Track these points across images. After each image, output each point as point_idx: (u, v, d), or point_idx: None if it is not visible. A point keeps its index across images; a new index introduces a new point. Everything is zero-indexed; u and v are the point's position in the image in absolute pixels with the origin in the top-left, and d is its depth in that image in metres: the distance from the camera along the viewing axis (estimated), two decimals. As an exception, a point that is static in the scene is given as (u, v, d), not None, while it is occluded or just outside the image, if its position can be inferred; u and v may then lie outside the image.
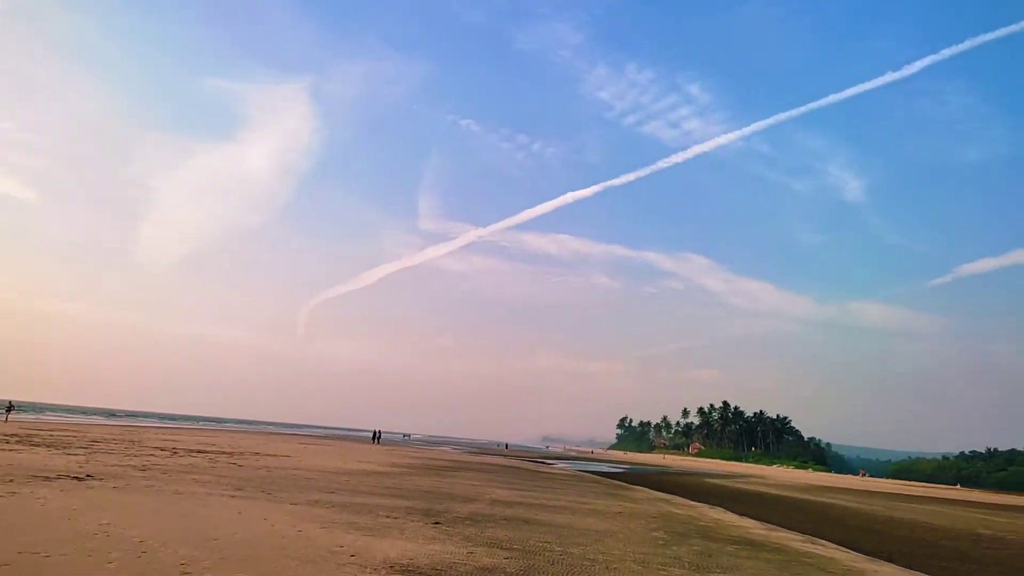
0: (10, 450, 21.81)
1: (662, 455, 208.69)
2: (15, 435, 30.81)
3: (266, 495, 15.09)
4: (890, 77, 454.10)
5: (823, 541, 17.23)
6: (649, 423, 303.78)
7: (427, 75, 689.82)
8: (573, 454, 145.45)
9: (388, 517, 13.09)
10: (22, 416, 67.45)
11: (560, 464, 68.76)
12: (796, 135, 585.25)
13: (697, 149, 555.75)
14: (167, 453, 27.04)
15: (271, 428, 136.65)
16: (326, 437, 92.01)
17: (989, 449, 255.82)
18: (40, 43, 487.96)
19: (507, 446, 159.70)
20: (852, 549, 16.19)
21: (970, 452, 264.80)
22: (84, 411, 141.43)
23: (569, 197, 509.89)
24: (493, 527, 13.16)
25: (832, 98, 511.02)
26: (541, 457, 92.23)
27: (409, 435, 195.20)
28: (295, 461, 29.17)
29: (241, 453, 31.54)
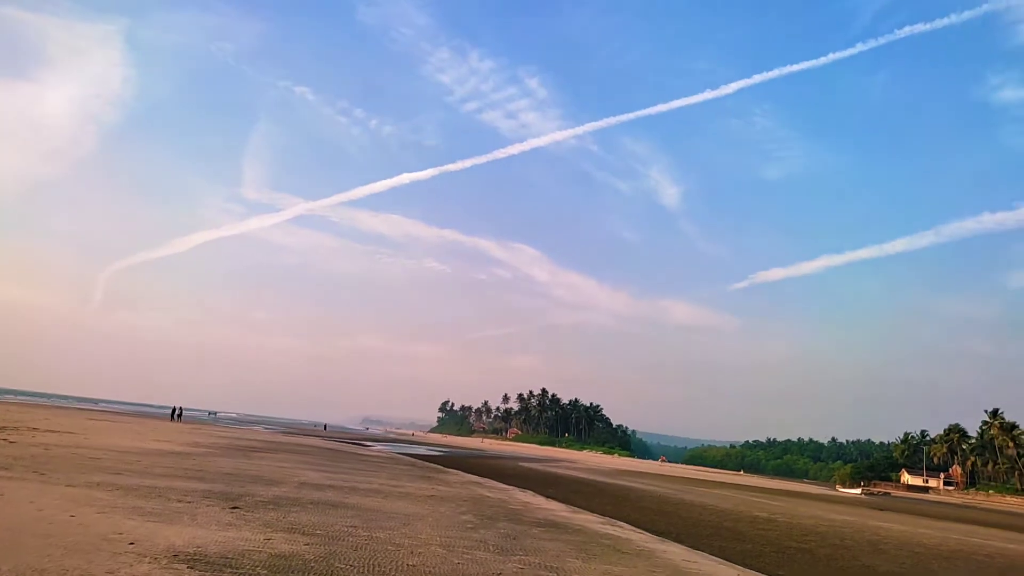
0: None
1: (481, 439, 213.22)
2: None
3: (38, 476, 13.49)
4: (708, 95, 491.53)
5: (620, 523, 18.30)
6: (470, 407, 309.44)
7: (261, 35, 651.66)
8: (393, 436, 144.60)
9: (180, 501, 12.15)
10: None
11: (379, 446, 68.09)
12: (623, 139, 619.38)
13: (533, 142, 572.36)
14: (-81, 427, 23.53)
15: (61, 401, 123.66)
16: (123, 413, 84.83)
17: (769, 439, 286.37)
18: None
19: (326, 427, 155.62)
20: (646, 530, 17.33)
21: (753, 441, 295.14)
22: None
23: (405, 178, 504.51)
24: (298, 511, 12.63)
25: (658, 108, 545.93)
26: (360, 439, 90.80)
27: (216, 413, 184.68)
28: (80, 439, 26.48)
29: (15, 428, 28.15)
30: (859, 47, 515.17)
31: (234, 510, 11.84)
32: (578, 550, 11.95)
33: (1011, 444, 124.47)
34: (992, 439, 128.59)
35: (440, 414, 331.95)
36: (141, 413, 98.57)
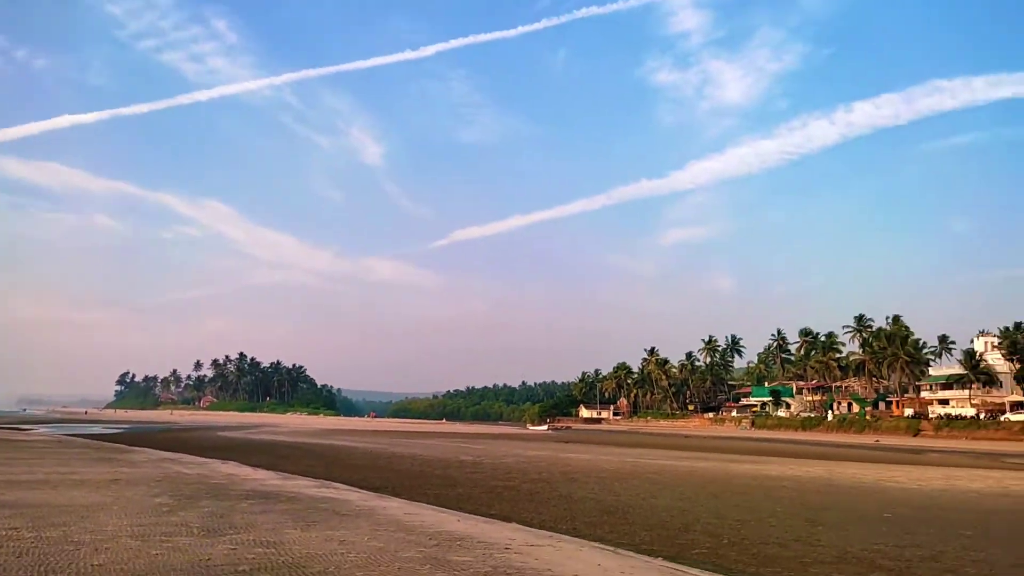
0: None
1: (170, 411, 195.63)
2: None
3: None
4: (408, 55, 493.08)
5: (336, 484, 17.81)
6: (156, 377, 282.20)
7: None
8: (59, 416, 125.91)
9: None
10: None
11: (42, 429, 58.70)
12: (323, 93, 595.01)
13: (223, 90, 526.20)
14: None
15: None
16: None
17: (468, 388, 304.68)
18: None
19: None
20: (362, 488, 17.07)
21: (454, 391, 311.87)
22: None
23: (65, 120, 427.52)
24: (-71, 520, 10.08)
25: (357, 64, 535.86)
26: (16, 422, 77.53)
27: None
28: None
29: None
30: (544, 22, 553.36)
31: None
32: (295, 519, 11.24)
33: (664, 377, 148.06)
34: (649, 374, 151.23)
35: (118, 387, 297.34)
36: None
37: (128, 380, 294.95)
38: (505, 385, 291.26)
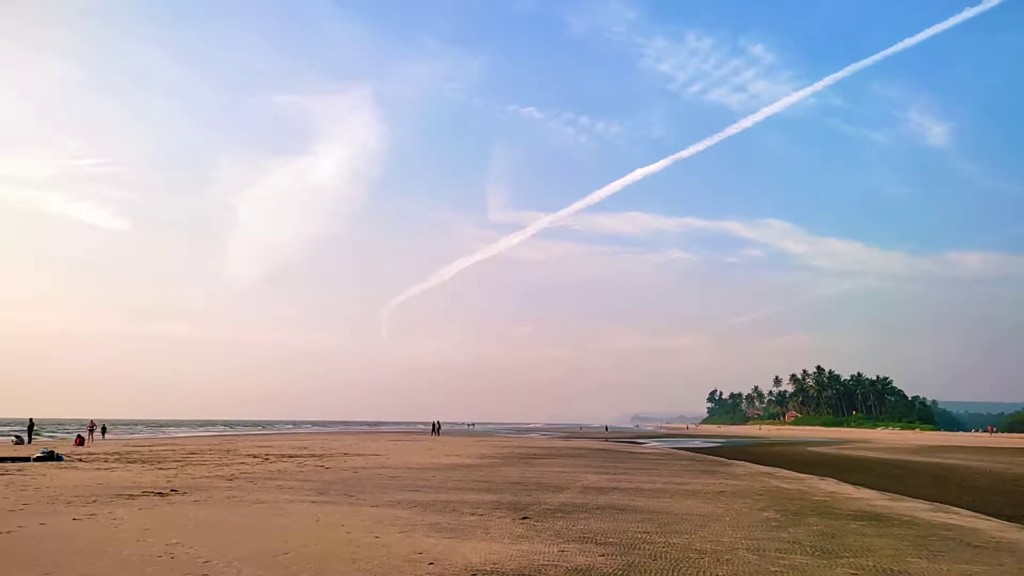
0: (106, 469, 22.22)
1: (758, 426, 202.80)
2: (116, 453, 31.79)
3: (348, 498, 14.55)
4: (967, 13, 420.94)
5: (956, 509, 15.48)
6: (740, 394, 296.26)
7: (484, 68, 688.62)
8: (665, 432, 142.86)
9: (473, 515, 12.28)
10: (132, 436, 70.80)
11: (652, 443, 67.16)
12: (870, 85, 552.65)
13: (767, 111, 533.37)
14: (258, 460, 27.23)
15: (362, 428, 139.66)
16: (398, 432, 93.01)
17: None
18: (120, 78, 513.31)
19: (607, 428, 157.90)
20: (993, 516, 14.41)
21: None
22: (198, 424, 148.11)
23: (638, 174, 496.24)
24: (586, 518, 12.16)
25: (906, 43, 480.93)
26: (632, 437, 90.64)
27: (473, 424, 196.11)
28: (383, 460, 28.95)
29: (331, 455, 31.60)
30: None
31: (524, 520, 11.67)
32: (916, 546, 10.02)
33: None
34: None
35: (709, 404, 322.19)
36: (411, 431, 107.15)
37: (716, 397, 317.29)
38: None
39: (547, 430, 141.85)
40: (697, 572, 8.08)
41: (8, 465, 22.90)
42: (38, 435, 51.65)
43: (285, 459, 28.10)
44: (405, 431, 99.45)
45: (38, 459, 25.33)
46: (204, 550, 8.61)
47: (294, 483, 17.81)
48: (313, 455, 31.37)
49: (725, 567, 8.39)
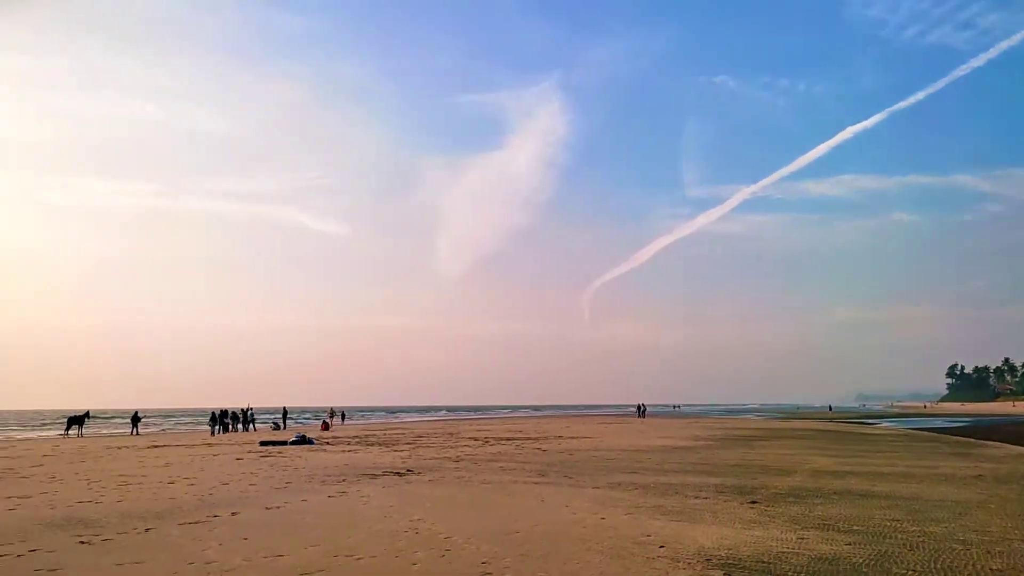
0: (349, 451, 24.53)
1: (1011, 402, 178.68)
2: (356, 437, 35.03)
3: (568, 480, 14.80)
4: None
5: None
6: (987, 368, 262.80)
7: (670, 42, 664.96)
8: (897, 411, 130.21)
9: (697, 498, 11.93)
10: (367, 421, 77.71)
11: (884, 423, 61.53)
12: None
13: (1003, 46, 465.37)
14: (479, 443, 28.65)
15: (568, 411, 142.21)
16: (604, 415, 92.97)
17: None
18: (334, 97, 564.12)
19: (831, 408, 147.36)
20: None
21: None
22: (418, 410, 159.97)
23: (848, 132, 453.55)
24: (823, 504, 11.33)
25: None
26: (860, 417, 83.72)
27: (679, 406, 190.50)
28: (596, 442, 29.20)
29: (545, 438, 32.47)
30: None
31: (753, 504, 11.13)
32: None
33: None
34: None
35: (949, 380, 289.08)
36: (615, 414, 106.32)
37: (957, 372, 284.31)
38: None
39: (761, 411, 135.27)
40: (965, 564, 7.19)
41: (271, 448, 26.11)
42: (292, 420, 58.45)
43: (503, 442, 29.30)
44: (610, 414, 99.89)
45: (293, 443, 28.62)
46: (443, 527, 9.15)
47: (515, 464, 18.47)
48: (529, 438, 32.41)
49: (998, 560, 7.39)
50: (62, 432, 44.02)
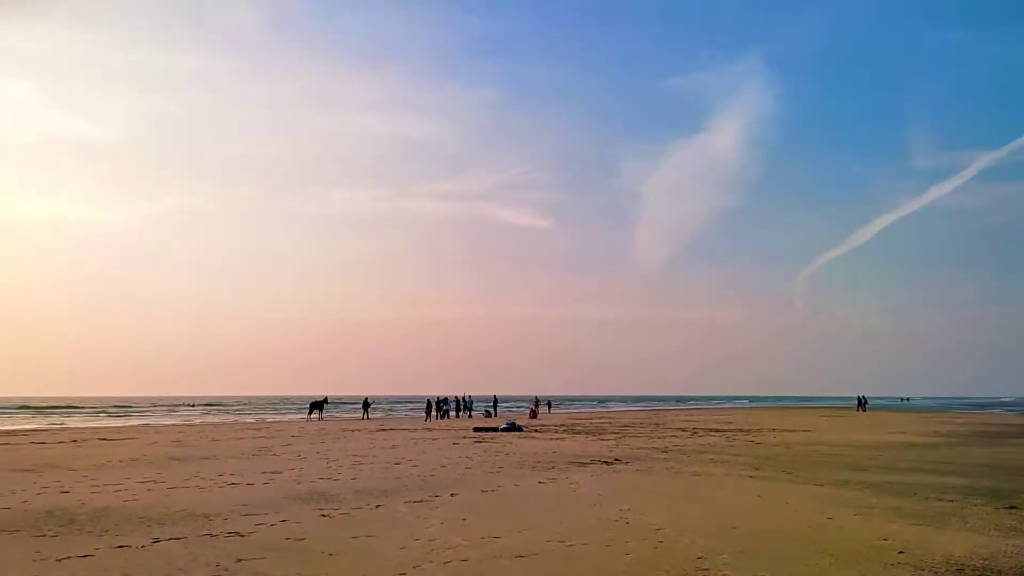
0: (557, 439, 25.04)
1: None
2: (562, 425, 35.71)
3: (787, 475, 13.95)
4: None
5: None
6: None
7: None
8: None
9: (940, 500, 10.69)
10: (573, 410, 78.95)
11: None
12: None
13: None
14: (687, 433, 27.97)
15: (782, 403, 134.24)
16: (810, 407, 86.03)
17: None
18: (528, 95, 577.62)
19: None
20: None
21: None
22: (623, 399, 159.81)
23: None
24: (1105, 513, 9.66)
25: None
26: None
27: (907, 398, 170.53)
28: (816, 436, 27.34)
29: (758, 430, 30.97)
30: None
31: (1011, 510, 9.76)
32: None
33: None
34: None
35: None
36: (832, 406, 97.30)
37: None
38: None
39: (1015, 405, 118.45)
40: None
41: (484, 435, 27.38)
42: (503, 408, 60.87)
43: (713, 433, 28.35)
44: (826, 406, 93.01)
45: (504, 430, 29.79)
46: (654, 518, 8.99)
47: (726, 457, 17.77)
48: (740, 430, 31.08)
49: None
50: (305, 416, 49.29)
